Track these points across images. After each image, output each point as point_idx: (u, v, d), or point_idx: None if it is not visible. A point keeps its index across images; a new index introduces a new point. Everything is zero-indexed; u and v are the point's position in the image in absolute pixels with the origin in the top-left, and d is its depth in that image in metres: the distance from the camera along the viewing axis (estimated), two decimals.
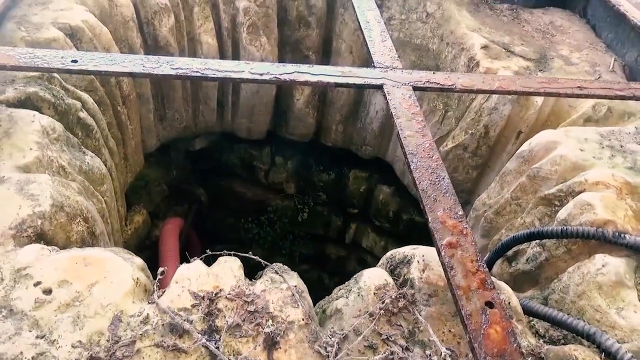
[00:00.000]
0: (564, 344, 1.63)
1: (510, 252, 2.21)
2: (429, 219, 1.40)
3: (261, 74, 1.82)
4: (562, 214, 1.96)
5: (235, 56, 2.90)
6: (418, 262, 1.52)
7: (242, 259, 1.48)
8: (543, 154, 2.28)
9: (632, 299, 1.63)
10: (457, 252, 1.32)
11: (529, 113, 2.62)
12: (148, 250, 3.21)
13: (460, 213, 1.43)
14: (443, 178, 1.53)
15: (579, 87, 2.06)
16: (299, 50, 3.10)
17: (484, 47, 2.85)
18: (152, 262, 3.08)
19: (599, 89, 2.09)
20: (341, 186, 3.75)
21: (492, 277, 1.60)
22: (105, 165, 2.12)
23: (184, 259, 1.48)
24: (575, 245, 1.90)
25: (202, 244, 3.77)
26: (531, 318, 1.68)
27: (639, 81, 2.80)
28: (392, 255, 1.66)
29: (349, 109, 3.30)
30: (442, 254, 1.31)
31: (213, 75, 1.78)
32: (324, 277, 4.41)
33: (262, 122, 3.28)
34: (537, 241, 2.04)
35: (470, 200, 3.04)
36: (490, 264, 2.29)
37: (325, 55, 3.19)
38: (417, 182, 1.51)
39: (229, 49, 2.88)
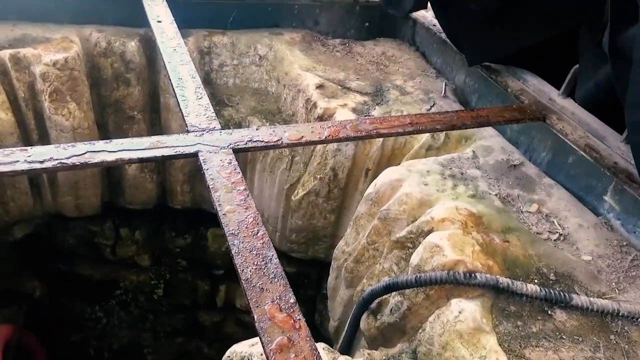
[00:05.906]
0: None
1: (374, 305, 2.06)
2: (255, 317, 1.17)
3: (41, 162, 1.49)
4: (414, 259, 1.85)
5: (41, 129, 2.48)
6: None
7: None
8: (390, 193, 2.19)
9: (492, 345, 1.54)
10: (290, 356, 1.09)
11: (372, 150, 2.55)
12: None
13: (292, 301, 1.22)
14: (270, 259, 1.32)
15: (409, 123, 2.00)
16: (122, 111, 2.75)
17: (320, 86, 2.75)
18: None
19: (430, 122, 2.04)
20: (201, 248, 3.42)
21: None
22: None
23: None
24: (433, 290, 1.80)
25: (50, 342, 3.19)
26: None
27: (470, 103, 2.88)
28: (228, 357, 1.40)
29: (192, 166, 3.00)
30: None
31: None
32: (202, 346, 4.00)
33: (93, 196, 2.86)
34: None
35: (334, 243, 2.89)
36: (356, 320, 2.13)
37: (155, 112, 2.88)
38: (239, 271, 1.27)
39: (31, 121, 2.45)
